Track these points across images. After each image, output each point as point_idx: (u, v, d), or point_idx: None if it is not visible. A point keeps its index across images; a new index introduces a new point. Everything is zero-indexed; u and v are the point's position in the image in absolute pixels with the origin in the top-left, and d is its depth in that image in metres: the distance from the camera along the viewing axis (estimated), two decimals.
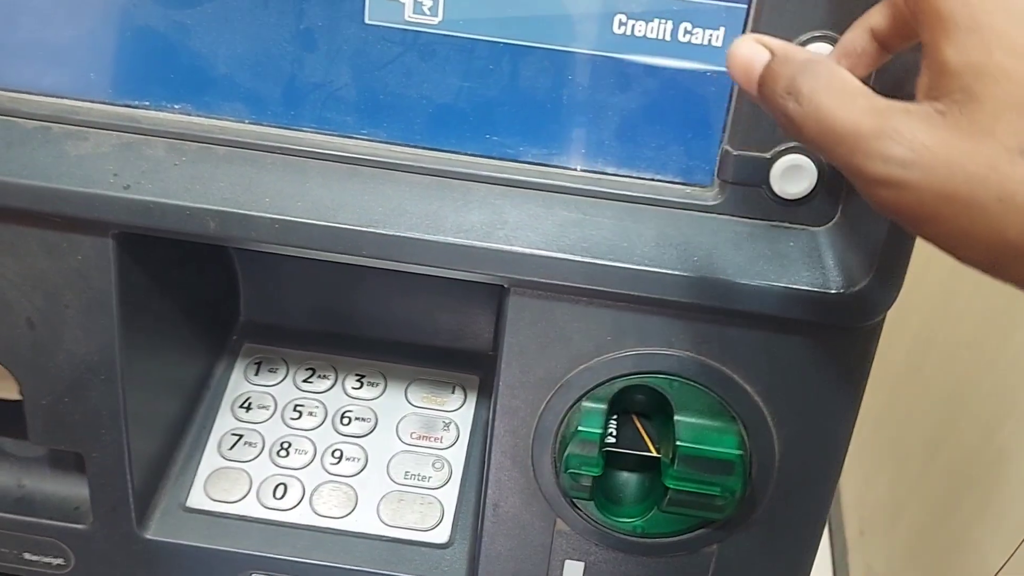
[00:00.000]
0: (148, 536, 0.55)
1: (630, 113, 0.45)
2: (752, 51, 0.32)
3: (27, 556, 0.56)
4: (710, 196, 0.45)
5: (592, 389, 0.48)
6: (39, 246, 0.46)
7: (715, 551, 0.51)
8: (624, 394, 0.48)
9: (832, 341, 0.45)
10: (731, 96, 0.44)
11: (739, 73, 0.33)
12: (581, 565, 0.52)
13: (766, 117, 0.42)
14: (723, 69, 0.43)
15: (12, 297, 0.48)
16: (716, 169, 0.45)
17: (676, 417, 0.47)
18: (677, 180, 0.46)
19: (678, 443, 0.46)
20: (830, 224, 0.44)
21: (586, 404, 0.48)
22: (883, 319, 0.44)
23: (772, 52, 0.32)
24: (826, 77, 0.30)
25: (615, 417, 0.49)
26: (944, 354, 1.00)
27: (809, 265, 0.44)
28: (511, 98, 0.45)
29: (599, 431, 0.47)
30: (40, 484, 0.57)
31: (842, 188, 0.44)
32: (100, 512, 0.54)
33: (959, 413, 0.94)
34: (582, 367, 0.48)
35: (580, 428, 0.47)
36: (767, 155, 0.43)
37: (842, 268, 0.43)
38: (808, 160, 0.43)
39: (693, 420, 0.47)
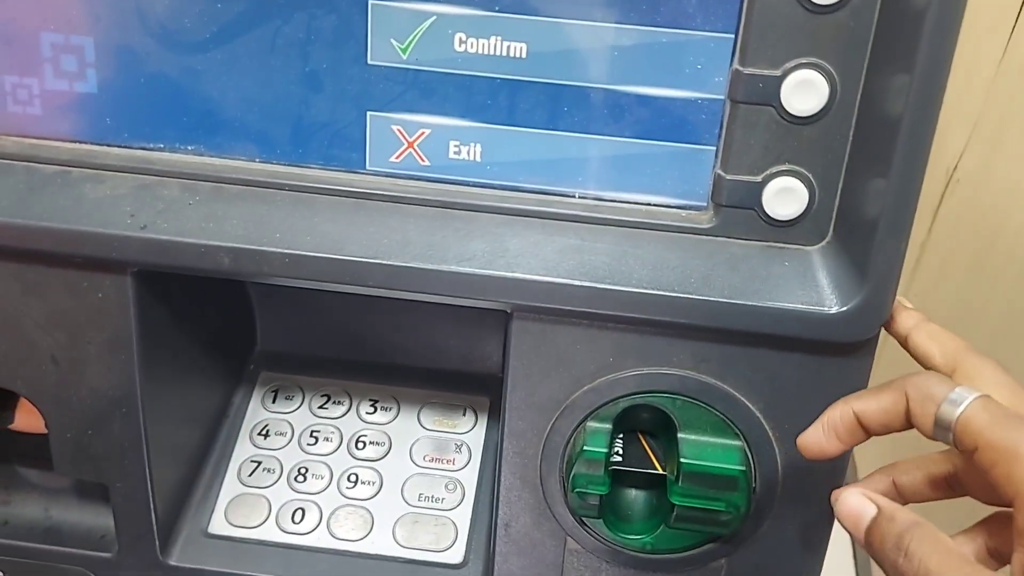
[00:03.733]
0: (171, 563, 0.56)
1: (625, 141, 0.47)
2: (860, 505, 0.37)
3: None
4: (705, 219, 0.47)
5: (596, 409, 0.49)
6: (62, 286, 0.48)
7: (724, 565, 0.52)
8: (629, 413, 0.50)
9: (829, 357, 0.46)
10: (722, 122, 0.45)
11: (847, 523, 0.37)
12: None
13: (756, 142, 0.44)
14: (713, 96, 0.45)
15: (37, 336, 0.50)
16: (710, 193, 0.47)
17: (679, 435, 0.48)
18: (672, 204, 0.47)
19: (682, 460, 0.47)
20: (822, 244, 0.45)
21: (591, 424, 0.49)
22: (878, 334, 0.45)
23: (879, 508, 0.36)
24: (931, 541, 0.33)
25: (621, 436, 0.51)
26: None
27: (803, 284, 0.45)
28: (510, 130, 0.47)
29: (604, 450, 0.48)
30: (66, 514, 0.58)
31: (833, 209, 0.45)
32: (124, 540, 0.56)
33: None
34: (585, 388, 0.49)
35: (585, 448, 0.48)
36: (758, 179, 0.44)
37: (835, 286, 0.44)
38: (799, 183, 0.44)
39: (696, 437, 0.48)
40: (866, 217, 0.43)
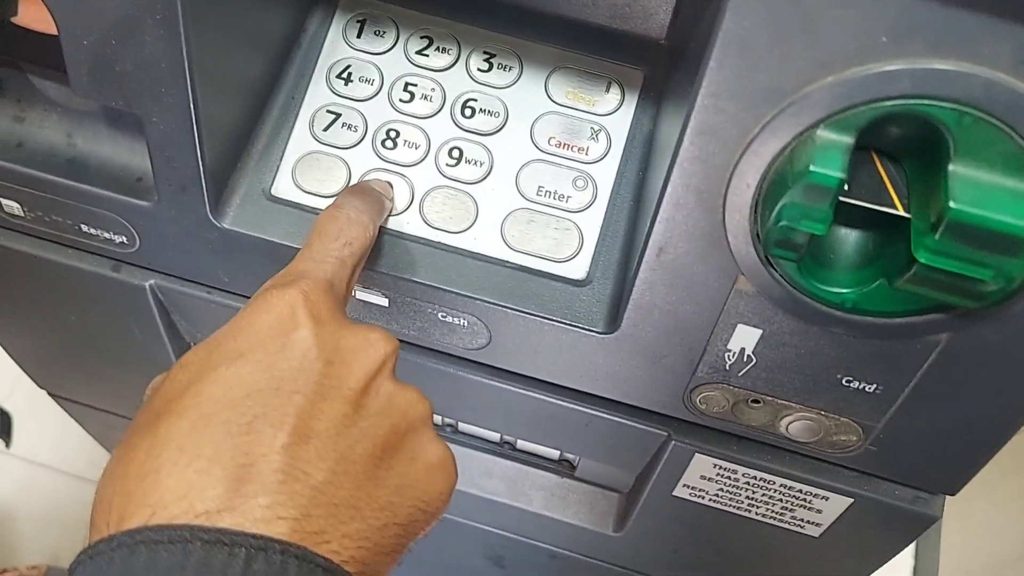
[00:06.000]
0: (225, 225, 0.45)
1: None
2: None
3: (84, 228, 0.47)
4: None
5: (838, 113, 0.33)
6: None
7: (943, 341, 0.39)
8: (875, 123, 0.34)
9: None
10: None
11: None
12: (757, 333, 0.41)
13: None
14: None
15: None
16: None
17: (952, 167, 0.32)
18: None
19: (950, 204, 0.32)
20: None
21: (823, 134, 0.33)
22: None
23: None
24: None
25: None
26: None
27: None
28: None
29: (838, 176, 0.33)
30: (94, 145, 0.46)
31: None
32: (166, 189, 0.44)
33: None
34: (831, 78, 0.33)
35: (813, 168, 0.33)
36: None
37: None
38: None
39: (977, 174, 0.32)
40: None
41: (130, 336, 0.55)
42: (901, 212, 0.35)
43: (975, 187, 0.32)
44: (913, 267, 0.34)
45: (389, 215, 0.44)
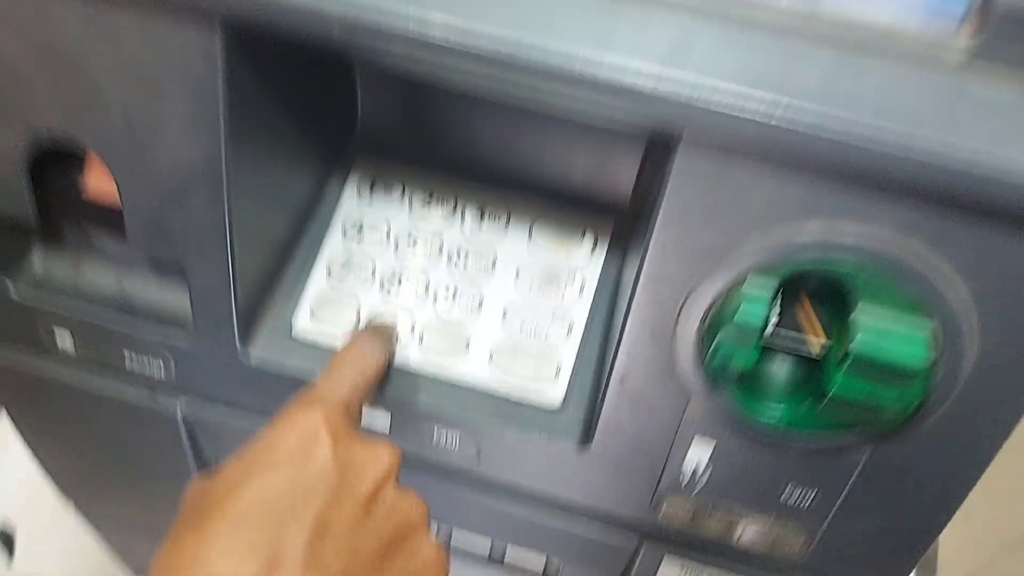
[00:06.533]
0: (252, 359, 0.52)
1: None
2: None
3: (126, 358, 0.54)
4: (959, 45, 0.35)
5: (762, 267, 0.41)
6: (138, 32, 0.40)
7: (866, 453, 0.45)
8: (795, 275, 0.41)
9: None
10: None
11: None
12: (712, 443, 0.47)
13: None
14: None
15: (106, 84, 0.42)
16: (971, 8, 0.35)
17: (855, 311, 0.40)
18: (915, 22, 0.36)
19: (853, 344, 0.39)
20: None
21: (751, 284, 0.41)
22: None
23: None
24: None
25: (781, 290, 0.42)
26: None
27: None
28: None
29: (761, 319, 0.40)
30: (141, 290, 0.54)
31: None
32: (202, 327, 0.51)
33: None
34: (755, 240, 0.40)
35: (740, 313, 0.40)
36: None
37: None
38: None
39: (878, 318, 0.40)
40: None
41: (159, 454, 0.61)
42: (813, 353, 0.42)
43: (876, 330, 0.39)
44: (828, 396, 0.41)
45: (395, 347, 0.52)
